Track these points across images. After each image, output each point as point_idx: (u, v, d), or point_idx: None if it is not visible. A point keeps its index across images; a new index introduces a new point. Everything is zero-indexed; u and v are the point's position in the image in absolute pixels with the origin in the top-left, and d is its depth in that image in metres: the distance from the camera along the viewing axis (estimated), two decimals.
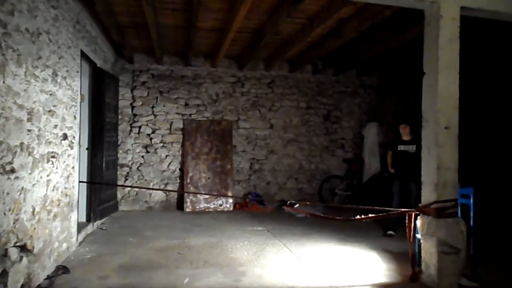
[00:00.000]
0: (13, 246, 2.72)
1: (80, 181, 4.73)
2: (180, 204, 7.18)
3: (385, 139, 8.05)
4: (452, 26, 3.51)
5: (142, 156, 7.12)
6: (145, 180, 7.10)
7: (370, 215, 3.77)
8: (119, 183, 6.77)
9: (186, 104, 7.36)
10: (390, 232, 5.15)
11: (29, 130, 2.99)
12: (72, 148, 4.29)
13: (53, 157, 3.59)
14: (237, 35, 5.53)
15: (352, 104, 8.18)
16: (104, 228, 5.44)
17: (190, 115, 7.36)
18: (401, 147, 5.32)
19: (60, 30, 3.75)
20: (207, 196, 7.11)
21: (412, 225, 3.56)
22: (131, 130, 7.09)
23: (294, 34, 5.75)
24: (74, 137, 4.36)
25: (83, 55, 4.73)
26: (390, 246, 4.69)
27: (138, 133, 7.12)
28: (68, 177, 4.15)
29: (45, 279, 3.32)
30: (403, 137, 5.42)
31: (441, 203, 3.39)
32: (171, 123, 7.26)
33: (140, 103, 7.16)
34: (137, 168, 7.09)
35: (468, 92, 5.37)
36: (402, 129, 5.44)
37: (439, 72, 3.46)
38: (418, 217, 3.57)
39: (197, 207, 7.05)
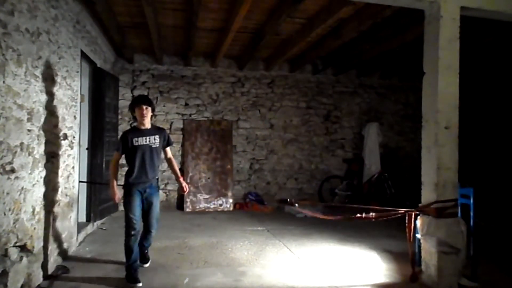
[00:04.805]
0: (13, 246, 2.72)
1: (80, 181, 4.73)
2: (180, 204, 7.17)
3: (385, 139, 8.07)
4: (452, 26, 3.51)
5: None
6: None
7: (371, 214, 3.74)
8: (119, 183, 6.75)
9: (186, 104, 7.36)
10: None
11: (29, 130, 2.99)
12: (72, 148, 4.29)
13: (53, 157, 3.59)
14: (237, 35, 5.53)
15: (352, 104, 8.18)
16: (104, 228, 5.44)
17: (190, 115, 7.36)
18: (138, 141, 3.51)
19: (60, 30, 3.75)
20: (207, 196, 7.12)
21: (412, 225, 3.56)
22: None
23: (294, 34, 5.75)
24: (74, 137, 4.36)
25: (83, 55, 4.73)
26: (390, 246, 4.69)
27: None
28: (68, 177, 4.15)
29: (45, 279, 3.32)
30: (140, 125, 3.60)
31: (441, 203, 3.39)
32: (171, 123, 7.26)
33: None
34: None
35: (468, 92, 5.37)
36: (139, 111, 3.54)
37: (439, 72, 3.45)
38: (418, 217, 3.57)
39: (197, 207, 7.05)
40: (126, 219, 3.49)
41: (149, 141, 3.55)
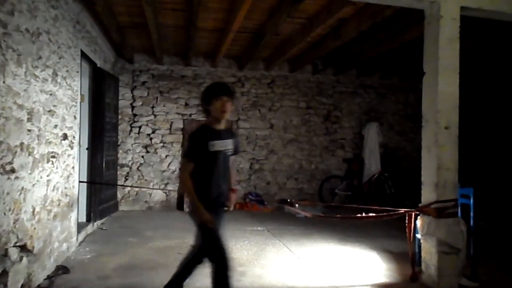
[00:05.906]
0: (13, 246, 2.71)
1: (80, 181, 4.73)
2: (180, 204, 7.16)
3: (385, 139, 8.07)
4: (452, 26, 3.50)
5: (142, 156, 7.12)
6: (145, 180, 7.10)
7: (370, 214, 3.76)
8: (119, 183, 6.77)
9: (186, 104, 7.36)
10: None
11: (29, 130, 2.98)
12: (72, 148, 4.29)
13: (53, 157, 3.59)
14: (237, 35, 5.53)
15: (352, 104, 8.18)
16: (104, 228, 5.44)
17: (190, 115, 7.36)
18: (214, 145, 2.57)
19: (60, 30, 3.75)
20: None
21: (412, 225, 3.56)
22: (131, 130, 7.09)
23: (294, 34, 5.74)
24: (74, 137, 4.36)
25: (83, 55, 4.73)
26: (390, 246, 4.69)
27: (138, 133, 7.12)
28: (68, 177, 4.15)
29: (45, 279, 3.32)
30: (215, 123, 2.64)
31: (441, 203, 3.39)
32: (171, 123, 7.26)
33: (140, 103, 7.16)
34: (137, 168, 7.08)
35: (468, 92, 5.37)
36: (220, 104, 2.55)
37: (439, 72, 3.45)
38: (418, 217, 3.57)
39: None
40: (214, 252, 2.61)
41: (225, 146, 2.61)
